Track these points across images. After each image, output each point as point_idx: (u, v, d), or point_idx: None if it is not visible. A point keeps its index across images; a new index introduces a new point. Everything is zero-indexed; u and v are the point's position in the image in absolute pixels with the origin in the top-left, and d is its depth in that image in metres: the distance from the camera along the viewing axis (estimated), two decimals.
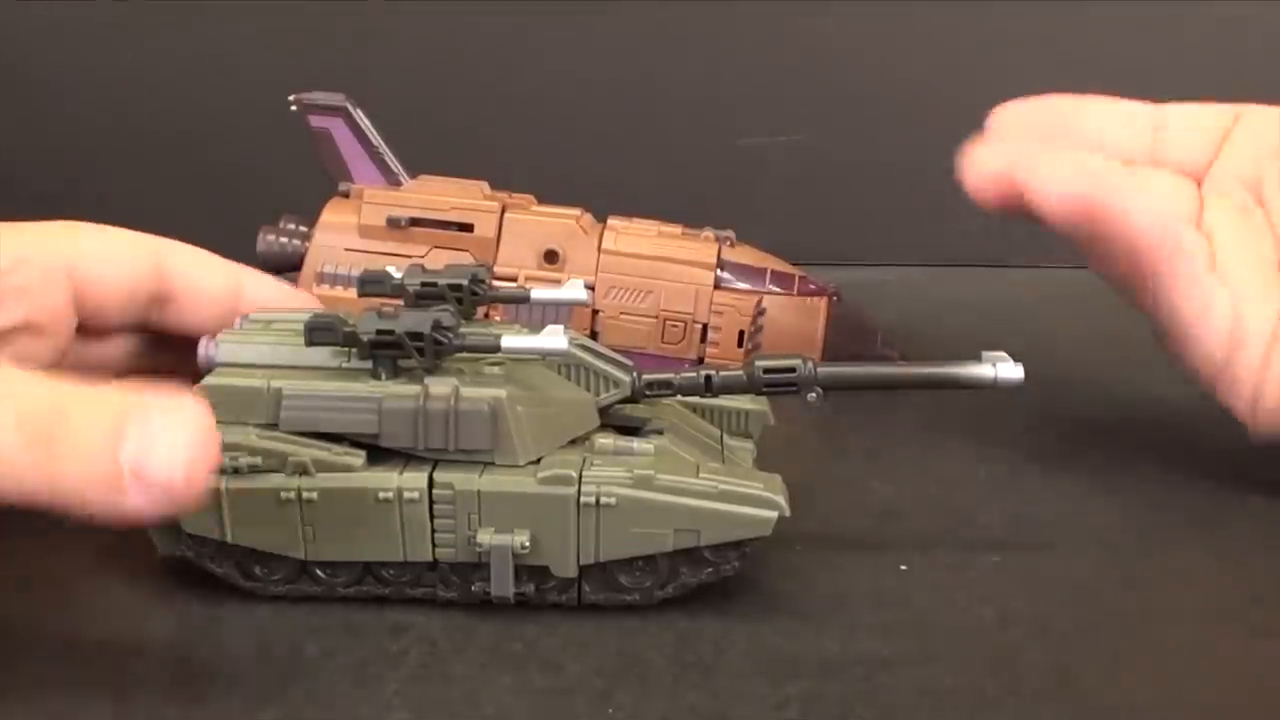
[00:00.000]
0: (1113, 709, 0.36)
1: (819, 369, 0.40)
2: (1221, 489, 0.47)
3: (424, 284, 0.41)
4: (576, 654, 0.37)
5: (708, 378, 0.40)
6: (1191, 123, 0.49)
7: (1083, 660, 0.38)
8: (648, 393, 0.41)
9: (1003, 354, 0.40)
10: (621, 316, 0.56)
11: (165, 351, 0.45)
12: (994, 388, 0.40)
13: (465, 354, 0.38)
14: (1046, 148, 0.48)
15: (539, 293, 0.43)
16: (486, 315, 0.54)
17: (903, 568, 0.42)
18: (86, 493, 0.32)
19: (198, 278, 0.44)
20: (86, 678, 0.36)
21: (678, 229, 0.58)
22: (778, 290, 0.58)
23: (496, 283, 0.43)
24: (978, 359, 0.40)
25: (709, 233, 0.58)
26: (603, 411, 0.41)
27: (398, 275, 0.41)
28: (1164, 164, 0.49)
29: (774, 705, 0.35)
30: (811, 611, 0.40)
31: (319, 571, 0.39)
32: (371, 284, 0.42)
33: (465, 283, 0.41)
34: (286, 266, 0.56)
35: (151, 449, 0.32)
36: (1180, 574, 0.43)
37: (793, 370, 0.40)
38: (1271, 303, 0.45)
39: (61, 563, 0.41)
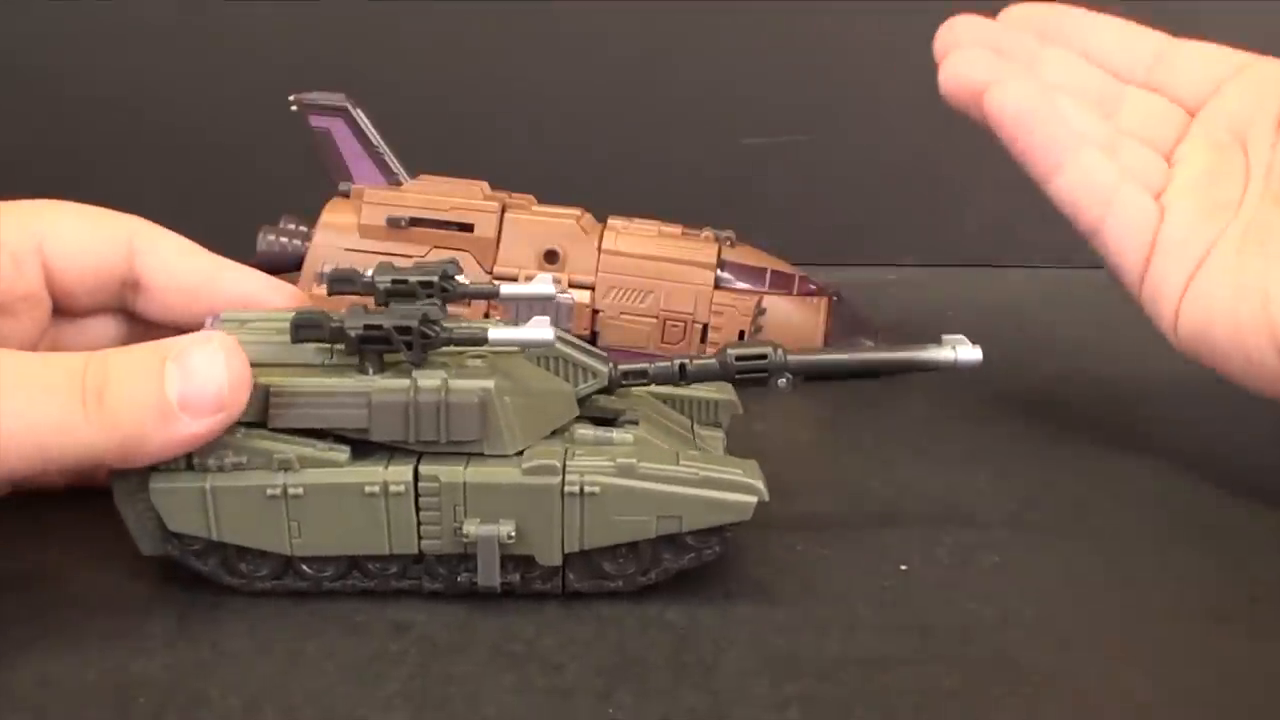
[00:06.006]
0: (1113, 709, 0.36)
1: (789, 356, 0.41)
2: (1222, 489, 0.47)
3: (395, 281, 0.40)
4: (576, 654, 0.37)
5: (682, 366, 0.42)
6: (1198, 59, 0.51)
7: (1082, 660, 0.38)
8: (624, 382, 0.42)
9: (961, 336, 0.41)
10: (621, 316, 0.56)
11: (144, 338, 0.45)
12: (954, 369, 0.41)
13: (449, 347, 0.39)
14: (1022, 69, 0.50)
15: (508, 288, 0.43)
16: (487, 314, 0.54)
17: (903, 568, 0.42)
18: (144, 431, 0.35)
19: (170, 266, 0.44)
20: (86, 677, 0.36)
21: (678, 229, 0.58)
22: (778, 290, 0.58)
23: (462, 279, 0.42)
24: (938, 342, 0.41)
25: (709, 233, 0.58)
26: (580, 402, 0.41)
27: (368, 274, 0.41)
28: (1160, 90, 0.51)
29: (774, 705, 0.35)
30: (811, 611, 0.40)
31: (305, 567, 0.39)
32: (342, 282, 0.41)
33: (436, 279, 0.40)
34: (286, 266, 0.56)
35: (194, 378, 0.36)
36: (1180, 574, 0.43)
37: (763, 357, 0.41)
38: (1208, 230, 0.46)
39: (61, 561, 0.41)
